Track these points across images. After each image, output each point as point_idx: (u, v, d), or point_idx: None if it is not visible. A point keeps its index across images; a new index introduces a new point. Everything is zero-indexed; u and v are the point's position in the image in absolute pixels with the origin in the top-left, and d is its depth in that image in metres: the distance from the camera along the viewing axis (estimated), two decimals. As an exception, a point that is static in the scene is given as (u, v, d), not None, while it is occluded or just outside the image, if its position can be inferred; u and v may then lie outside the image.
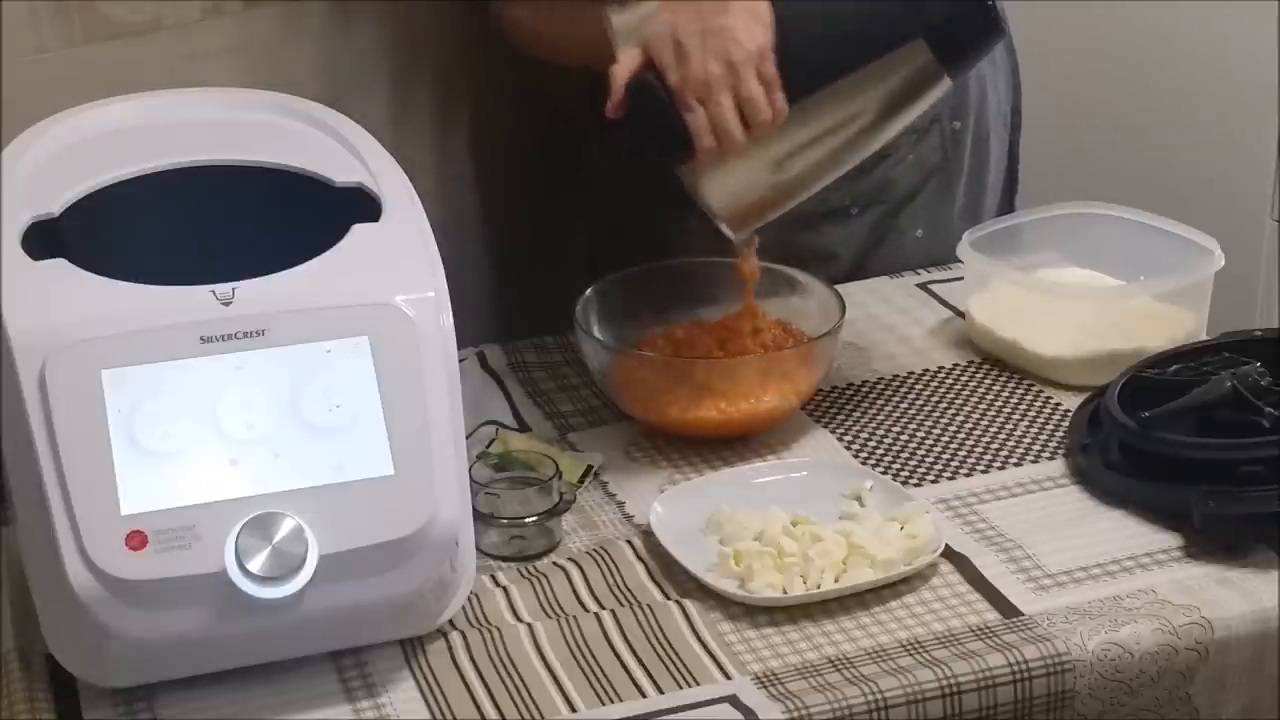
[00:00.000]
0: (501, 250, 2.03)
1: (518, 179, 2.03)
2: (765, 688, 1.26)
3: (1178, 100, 2.63)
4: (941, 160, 1.86)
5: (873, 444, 1.57)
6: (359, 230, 1.31)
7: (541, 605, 1.37)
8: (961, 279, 1.77)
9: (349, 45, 1.89)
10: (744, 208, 1.54)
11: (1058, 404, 1.62)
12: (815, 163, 1.54)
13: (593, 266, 1.74)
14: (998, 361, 1.69)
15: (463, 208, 1.99)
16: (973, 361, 1.70)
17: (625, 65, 1.49)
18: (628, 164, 1.80)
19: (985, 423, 1.60)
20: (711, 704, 1.25)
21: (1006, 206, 1.97)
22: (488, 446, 1.54)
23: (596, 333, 1.61)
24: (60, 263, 1.26)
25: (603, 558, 1.42)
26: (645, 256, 1.69)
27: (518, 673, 1.29)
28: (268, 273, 1.27)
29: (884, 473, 1.52)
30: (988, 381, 1.67)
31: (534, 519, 1.43)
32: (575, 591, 1.38)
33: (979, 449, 1.56)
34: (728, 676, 1.28)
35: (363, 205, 1.35)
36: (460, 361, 1.30)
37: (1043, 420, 1.60)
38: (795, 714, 1.23)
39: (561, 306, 1.63)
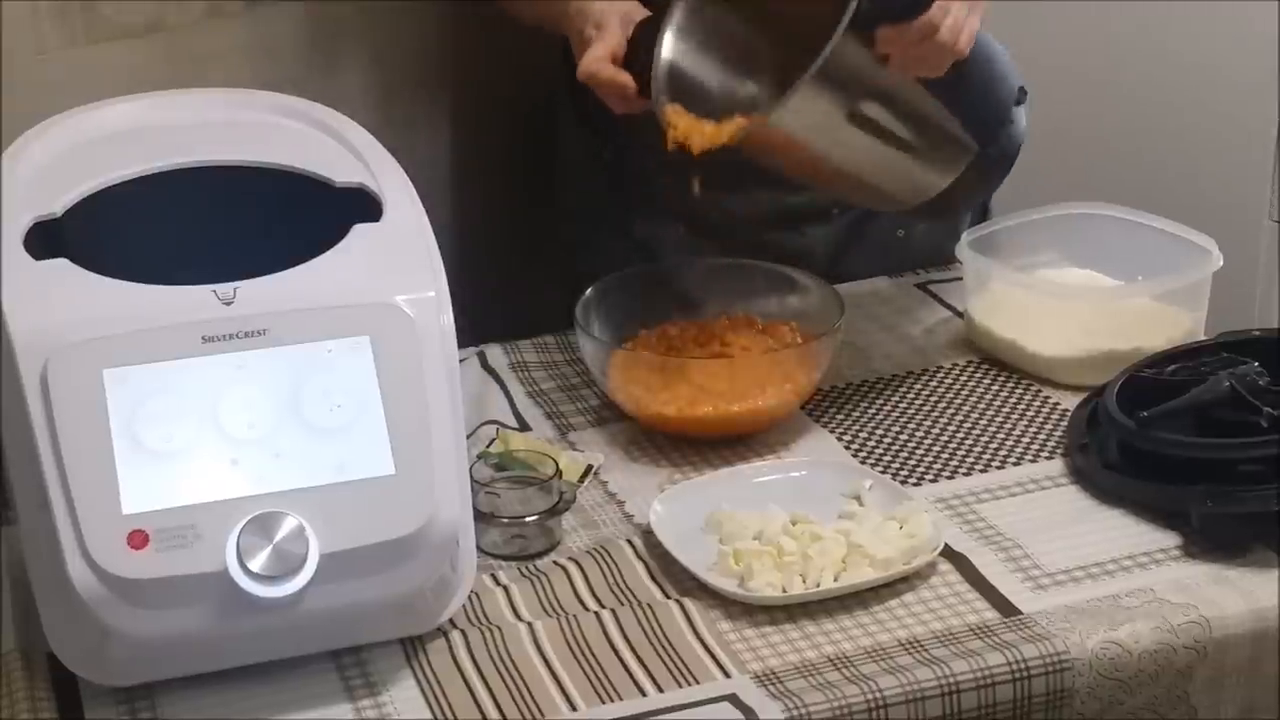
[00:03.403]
0: (502, 250, 2.03)
1: (516, 179, 2.03)
2: (765, 686, 1.27)
3: (1176, 100, 2.63)
4: None
5: (872, 444, 1.58)
6: (359, 230, 1.31)
7: (542, 604, 1.37)
8: (961, 279, 1.77)
9: (349, 46, 1.89)
10: (786, 135, 1.51)
11: (1057, 404, 1.62)
12: (853, 160, 1.57)
13: (578, 270, 1.74)
14: (997, 361, 1.70)
15: (462, 207, 1.99)
16: (972, 361, 1.71)
17: None
18: (612, 169, 1.80)
19: (985, 423, 1.60)
20: (711, 703, 1.25)
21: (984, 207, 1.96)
22: (488, 446, 1.54)
23: (596, 332, 1.61)
24: (62, 263, 1.26)
25: (603, 557, 1.42)
26: (628, 262, 1.69)
27: (518, 672, 1.29)
28: (269, 273, 1.27)
29: (883, 472, 1.52)
30: (987, 381, 1.67)
31: (534, 518, 1.43)
32: (575, 590, 1.38)
33: (978, 449, 1.56)
34: (727, 675, 1.28)
35: (363, 205, 1.35)
36: (460, 361, 1.30)
37: (1042, 420, 1.60)
38: (795, 713, 1.24)
39: (561, 306, 1.63)
